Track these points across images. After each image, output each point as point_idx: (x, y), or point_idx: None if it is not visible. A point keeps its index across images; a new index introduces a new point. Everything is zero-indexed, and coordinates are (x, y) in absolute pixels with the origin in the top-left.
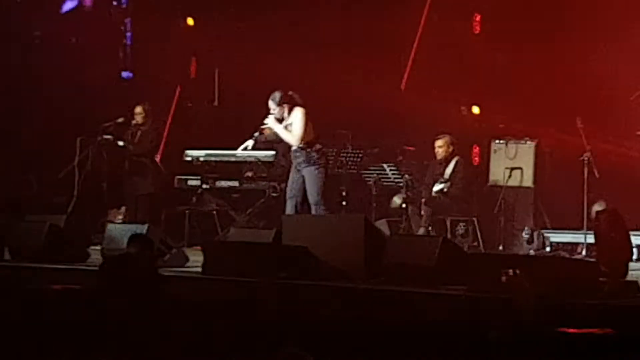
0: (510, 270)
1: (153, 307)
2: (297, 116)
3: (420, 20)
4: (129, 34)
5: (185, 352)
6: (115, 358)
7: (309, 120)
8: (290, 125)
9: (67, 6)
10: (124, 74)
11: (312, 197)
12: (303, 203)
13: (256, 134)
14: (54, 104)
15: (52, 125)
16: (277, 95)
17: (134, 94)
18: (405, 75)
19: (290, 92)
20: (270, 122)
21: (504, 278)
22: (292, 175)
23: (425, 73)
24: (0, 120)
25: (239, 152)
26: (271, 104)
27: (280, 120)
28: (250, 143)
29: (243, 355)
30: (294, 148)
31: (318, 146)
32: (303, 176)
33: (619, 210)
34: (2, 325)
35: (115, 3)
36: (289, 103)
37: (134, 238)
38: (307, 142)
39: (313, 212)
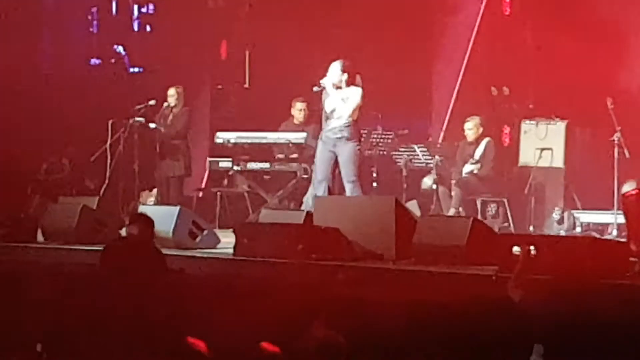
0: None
1: (158, 289)
2: (358, 92)
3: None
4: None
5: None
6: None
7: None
8: (346, 98)
9: None
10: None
11: (348, 175)
12: (333, 186)
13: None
14: (85, 87)
15: (84, 108)
16: (344, 62)
17: (165, 77)
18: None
19: (354, 70)
20: (326, 83)
21: None
22: (322, 155)
23: (455, 55)
24: (32, 103)
25: (271, 134)
26: (335, 69)
27: (335, 87)
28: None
29: (275, 337)
30: (339, 123)
31: (358, 129)
32: (335, 156)
33: None
34: (37, 308)
35: None
36: (350, 75)
37: (134, 218)
38: (355, 120)
39: (348, 191)
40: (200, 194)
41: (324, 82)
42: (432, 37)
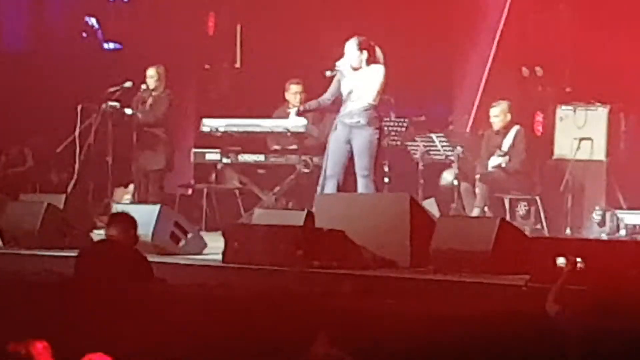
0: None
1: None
2: (380, 71)
3: None
4: None
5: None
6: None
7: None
8: (367, 78)
9: None
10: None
11: (361, 169)
12: (344, 182)
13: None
14: (52, 68)
15: (50, 90)
16: (361, 38)
17: (143, 56)
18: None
19: (372, 42)
20: (343, 66)
21: None
22: (335, 148)
23: (480, 30)
24: None
25: (265, 121)
26: (352, 46)
27: (353, 69)
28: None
29: (271, 356)
30: (357, 106)
31: (380, 115)
32: (351, 148)
33: None
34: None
35: None
36: (370, 53)
37: (114, 218)
38: (375, 105)
39: (360, 186)
40: (189, 191)
41: (340, 64)
42: (453, 10)
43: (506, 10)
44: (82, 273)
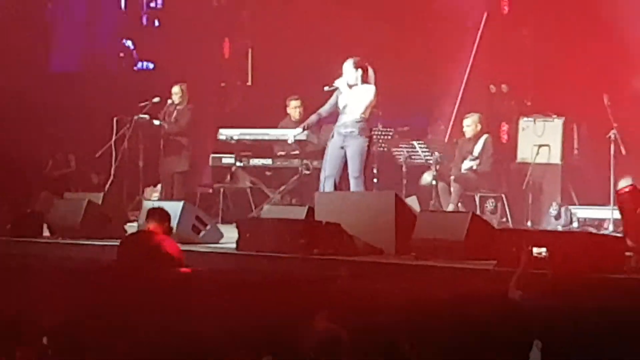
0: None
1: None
2: (370, 90)
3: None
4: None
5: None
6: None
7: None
8: (359, 95)
9: None
10: (141, 65)
11: (353, 171)
12: (340, 182)
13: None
14: (93, 85)
15: (90, 104)
16: (357, 59)
17: (169, 75)
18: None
19: (366, 63)
20: (340, 84)
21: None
22: (332, 152)
23: (455, 53)
24: (38, 100)
25: (272, 130)
26: (348, 66)
27: (349, 86)
28: (297, 131)
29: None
30: (350, 119)
31: (367, 126)
32: (345, 154)
33: None
34: (43, 301)
35: None
36: (364, 72)
37: (151, 212)
38: (366, 118)
39: (353, 186)
40: (208, 190)
41: (338, 83)
42: (433, 35)
43: (478, 36)
44: (123, 258)
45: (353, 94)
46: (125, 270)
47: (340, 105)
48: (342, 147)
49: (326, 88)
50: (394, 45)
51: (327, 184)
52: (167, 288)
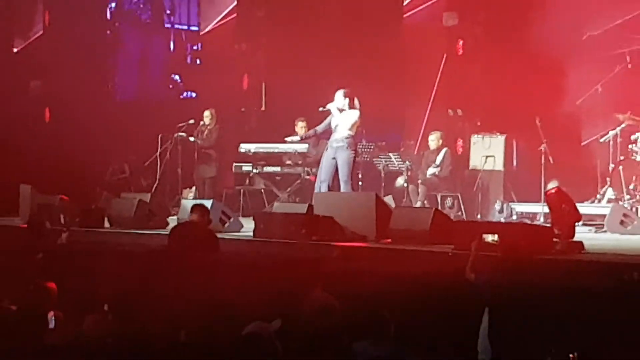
0: (489, 235)
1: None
2: (355, 114)
3: (420, 48)
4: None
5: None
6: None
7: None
8: (346, 118)
9: None
10: (186, 94)
11: (343, 176)
12: (332, 185)
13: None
14: (144, 110)
15: (141, 125)
16: (346, 90)
17: (201, 102)
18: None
19: (353, 94)
20: (332, 107)
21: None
22: (325, 162)
23: (421, 85)
24: (104, 122)
25: (281, 145)
26: (339, 95)
27: (339, 110)
28: (296, 138)
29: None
30: (340, 136)
31: (354, 142)
32: (336, 163)
33: (566, 187)
34: (105, 277)
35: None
36: (351, 100)
37: (195, 207)
38: (353, 135)
39: (342, 188)
40: (231, 191)
41: (329, 106)
42: (406, 72)
43: (440, 72)
44: (173, 243)
45: (342, 116)
46: (174, 251)
47: (333, 125)
48: (333, 158)
49: (320, 109)
50: (375, 79)
51: (322, 187)
52: (205, 266)
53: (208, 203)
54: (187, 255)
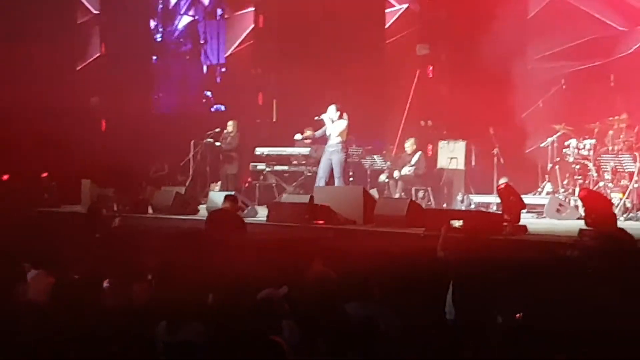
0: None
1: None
2: (343, 123)
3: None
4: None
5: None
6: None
7: (347, 128)
8: (337, 127)
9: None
10: (215, 107)
11: (336, 173)
12: (329, 181)
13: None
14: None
15: (177, 133)
16: (338, 105)
17: (227, 114)
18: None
19: (342, 108)
20: (325, 118)
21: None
22: (323, 162)
23: (398, 100)
24: (147, 131)
25: (288, 148)
26: (332, 108)
27: (331, 120)
28: (299, 137)
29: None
30: (333, 142)
31: (345, 145)
32: (331, 163)
33: (514, 182)
34: (149, 253)
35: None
36: (340, 113)
37: (227, 197)
38: (343, 140)
39: (337, 182)
40: (249, 185)
41: (323, 116)
42: (385, 89)
43: (412, 89)
44: (211, 226)
45: (333, 126)
46: (211, 231)
47: (327, 133)
48: (329, 159)
49: (316, 118)
50: (362, 96)
51: (321, 182)
52: (233, 243)
53: (231, 195)
54: (221, 235)
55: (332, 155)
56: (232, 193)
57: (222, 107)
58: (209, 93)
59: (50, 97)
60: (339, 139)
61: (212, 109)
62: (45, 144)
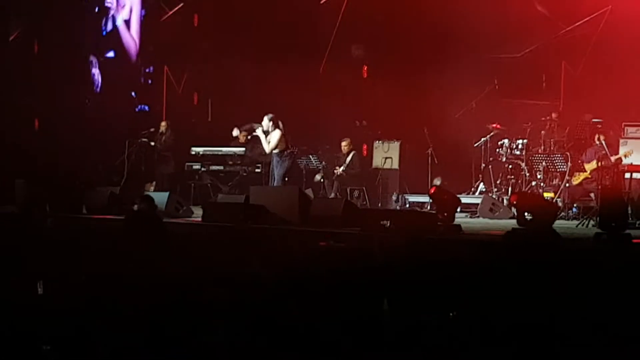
0: (387, 221)
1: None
2: (276, 135)
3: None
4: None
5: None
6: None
7: (283, 136)
8: (269, 139)
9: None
10: (140, 107)
11: (277, 178)
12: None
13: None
14: (112, 119)
15: (110, 132)
16: (271, 115)
17: (161, 115)
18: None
19: (277, 119)
20: (259, 132)
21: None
22: (271, 171)
23: (334, 102)
24: (78, 133)
25: (224, 148)
26: (265, 120)
27: (265, 131)
28: (236, 132)
29: (226, 270)
30: (273, 154)
31: (286, 152)
32: (273, 165)
33: (448, 182)
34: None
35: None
36: (274, 124)
37: (142, 198)
38: (281, 150)
39: (276, 183)
40: (184, 184)
41: (257, 132)
42: (320, 92)
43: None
44: (127, 226)
45: (269, 140)
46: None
47: (264, 146)
48: (274, 167)
49: (249, 137)
50: (298, 97)
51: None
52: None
53: (165, 195)
54: (137, 237)
55: (274, 159)
56: (164, 194)
57: (147, 107)
58: (133, 93)
59: None
60: (276, 150)
61: (137, 109)
62: None
